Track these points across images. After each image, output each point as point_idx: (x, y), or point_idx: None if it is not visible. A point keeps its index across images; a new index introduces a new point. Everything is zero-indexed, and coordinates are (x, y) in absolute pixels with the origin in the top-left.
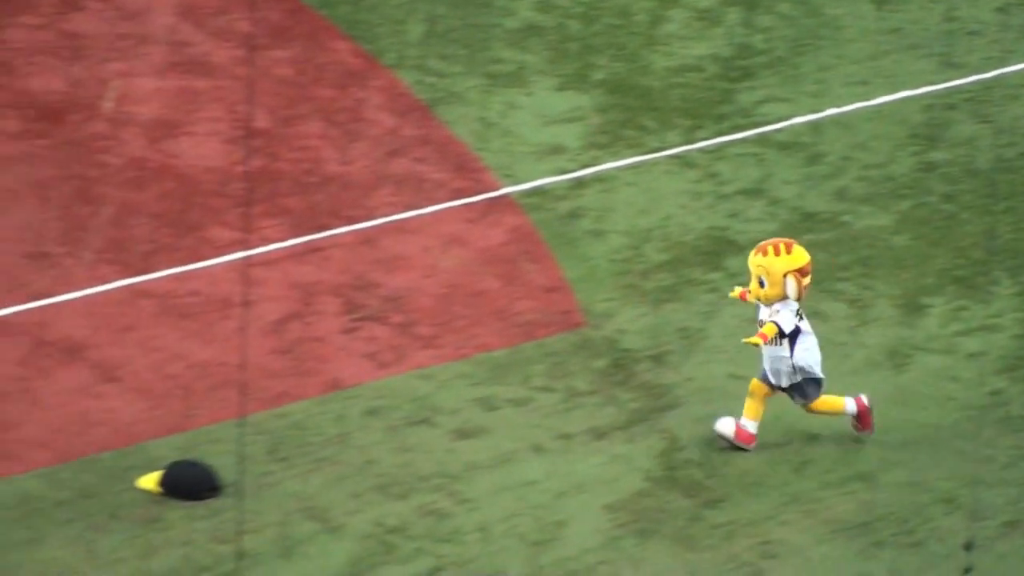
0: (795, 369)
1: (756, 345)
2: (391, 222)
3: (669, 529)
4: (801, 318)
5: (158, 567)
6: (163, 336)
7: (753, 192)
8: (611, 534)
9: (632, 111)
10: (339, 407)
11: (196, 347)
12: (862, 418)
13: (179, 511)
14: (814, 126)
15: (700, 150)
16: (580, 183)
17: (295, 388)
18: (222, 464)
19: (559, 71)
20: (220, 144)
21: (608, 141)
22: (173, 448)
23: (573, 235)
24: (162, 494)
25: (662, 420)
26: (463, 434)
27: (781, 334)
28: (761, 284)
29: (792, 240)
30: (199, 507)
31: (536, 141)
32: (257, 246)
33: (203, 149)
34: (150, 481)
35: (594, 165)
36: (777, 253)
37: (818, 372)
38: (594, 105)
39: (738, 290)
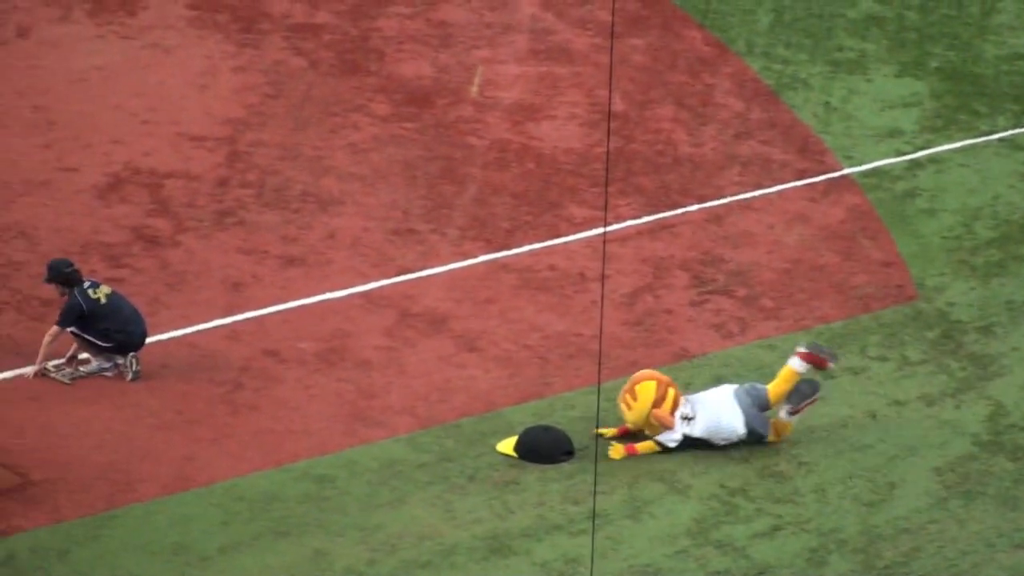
0: (732, 438)
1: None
2: (738, 201)
3: (994, 490)
4: (690, 422)
5: (514, 526)
6: (522, 308)
7: None
8: (939, 495)
9: (965, 97)
10: (687, 375)
11: (553, 319)
12: (816, 363)
13: (534, 474)
14: None
15: None
16: (915, 164)
17: (645, 357)
18: (575, 429)
19: (897, 59)
20: (578, 127)
21: (942, 125)
22: (529, 414)
23: (908, 213)
24: (519, 458)
25: (989, 388)
26: None
27: (666, 449)
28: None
29: (633, 383)
30: (552, 470)
31: (875, 124)
32: (612, 223)
33: (562, 132)
34: (507, 446)
35: (929, 148)
36: (629, 407)
37: (737, 435)
38: (930, 91)
39: (619, 448)
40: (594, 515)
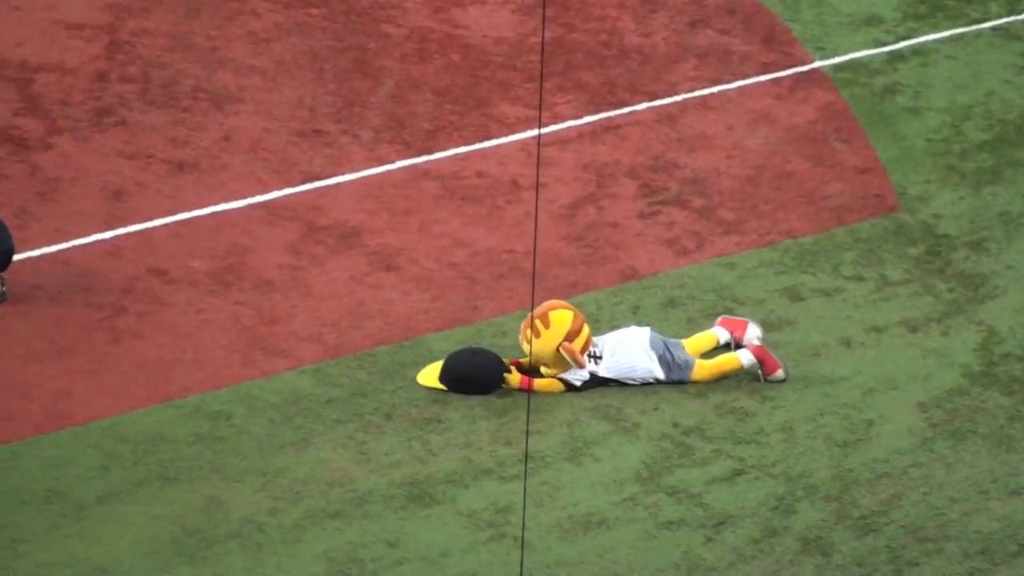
0: (648, 379)
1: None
2: (693, 98)
3: (986, 429)
4: (598, 361)
5: (437, 471)
6: (446, 221)
7: None
8: (924, 434)
9: None
10: (634, 297)
11: (481, 233)
12: (766, 363)
13: (459, 411)
14: None
15: None
16: (896, 56)
17: (588, 277)
18: (507, 359)
19: None
20: (511, 14)
21: (927, 11)
22: (455, 342)
23: (888, 112)
24: (445, 389)
25: (980, 311)
26: (767, 326)
27: (571, 388)
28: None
29: (547, 308)
30: (480, 407)
31: (850, 11)
32: (549, 124)
33: (492, 19)
34: (430, 376)
35: (912, 37)
36: (537, 335)
37: (653, 376)
38: None
39: (516, 377)
40: (526, 457)
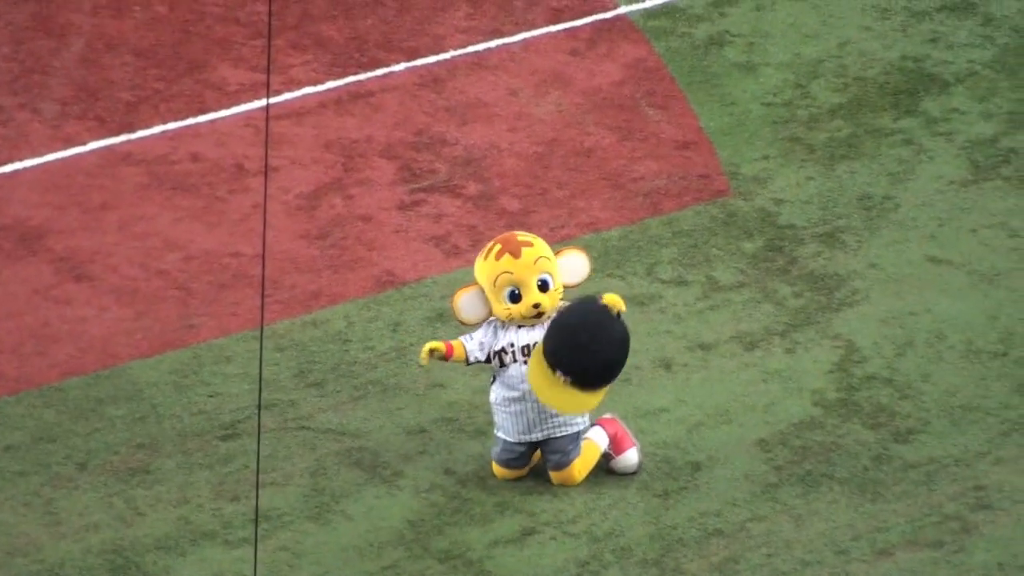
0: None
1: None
2: (465, 55)
3: (845, 472)
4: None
5: (144, 535)
6: (152, 217)
7: (960, 8)
8: (766, 480)
9: None
10: (394, 311)
11: (197, 232)
12: (617, 442)
13: (173, 458)
14: None
15: None
16: None
17: (334, 285)
18: (233, 392)
19: None
20: None
21: None
22: (166, 371)
23: (714, 70)
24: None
25: (836, 322)
26: None
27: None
28: (545, 287)
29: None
30: (200, 452)
31: None
32: (281, 92)
33: None
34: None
35: None
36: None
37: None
38: None
39: (438, 344)
40: (257, 516)
